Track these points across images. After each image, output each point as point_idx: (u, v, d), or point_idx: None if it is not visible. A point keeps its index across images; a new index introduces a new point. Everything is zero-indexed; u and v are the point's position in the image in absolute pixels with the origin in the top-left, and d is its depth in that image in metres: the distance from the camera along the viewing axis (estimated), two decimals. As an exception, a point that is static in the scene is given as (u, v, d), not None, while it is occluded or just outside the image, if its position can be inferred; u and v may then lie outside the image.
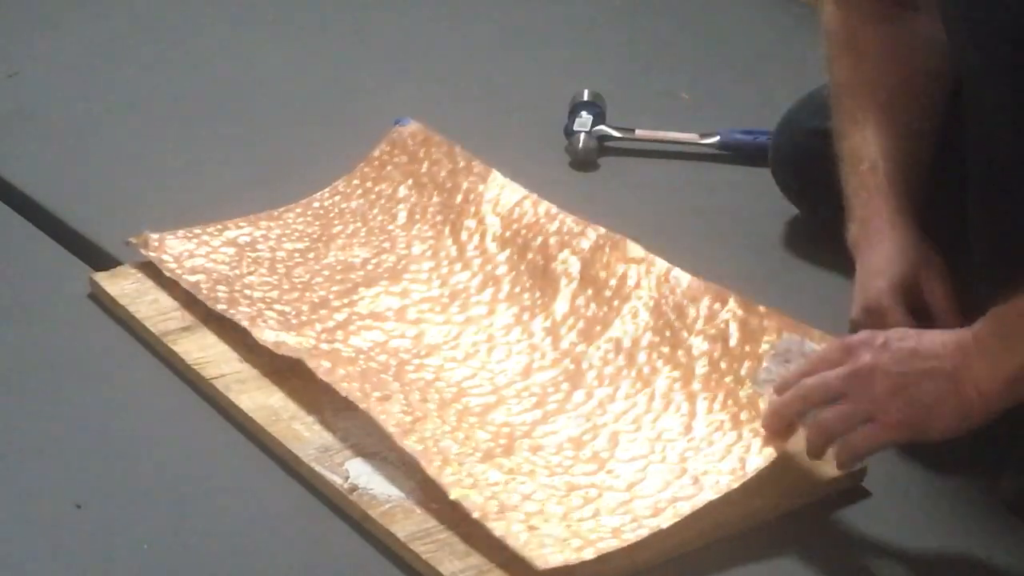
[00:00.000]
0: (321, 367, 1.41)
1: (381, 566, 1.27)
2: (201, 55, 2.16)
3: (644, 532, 1.27)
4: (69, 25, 2.22)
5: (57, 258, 1.68)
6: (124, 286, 1.58)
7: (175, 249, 1.60)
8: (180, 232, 1.63)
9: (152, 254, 1.59)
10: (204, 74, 2.10)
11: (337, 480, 1.34)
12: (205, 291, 1.53)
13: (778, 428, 1.32)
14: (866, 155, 1.47)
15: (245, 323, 1.48)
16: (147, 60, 2.14)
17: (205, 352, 1.49)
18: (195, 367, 1.48)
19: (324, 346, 1.47)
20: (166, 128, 1.97)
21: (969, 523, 1.36)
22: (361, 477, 1.34)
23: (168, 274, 1.56)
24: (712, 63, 2.21)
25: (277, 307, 1.53)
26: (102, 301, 1.59)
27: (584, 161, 1.93)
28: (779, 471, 1.34)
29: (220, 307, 1.51)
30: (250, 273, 1.58)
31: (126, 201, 1.79)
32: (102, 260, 1.65)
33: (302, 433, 1.39)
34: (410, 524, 1.29)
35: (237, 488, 1.36)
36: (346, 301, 1.55)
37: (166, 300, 1.56)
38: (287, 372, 1.46)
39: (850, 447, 1.29)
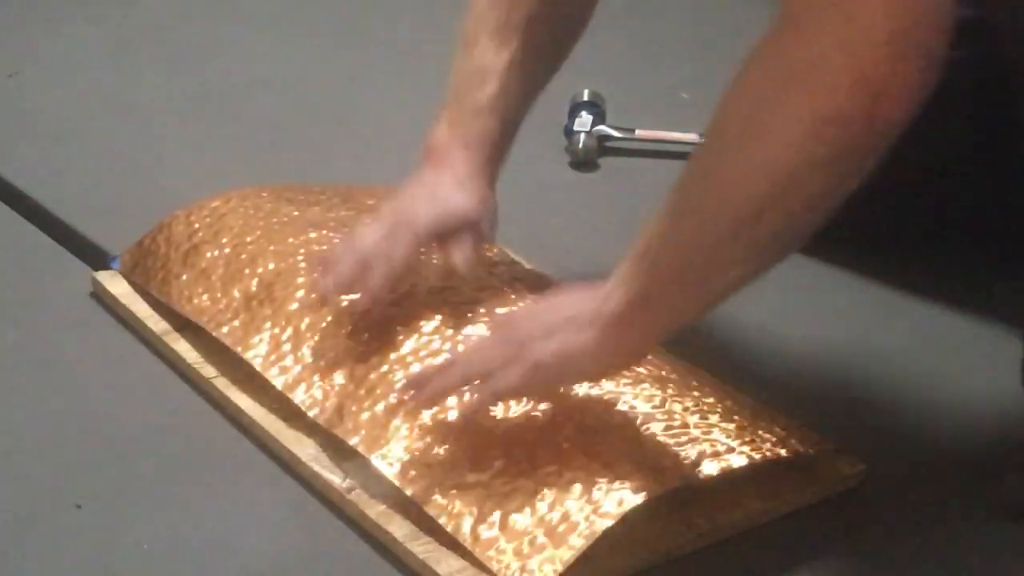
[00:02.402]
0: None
1: (379, 566, 1.28)
2: (201, 55, 2.16)
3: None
4: (69, 25, 2.22)
5: (57, 258, 1.68)
6: (124, 286, 1.59)
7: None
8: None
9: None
10: (204, 74, 2.10)
11: (335, 480, 1.34)
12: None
13: (429, 403, 1.32)
14: (494, 74, 1.46)
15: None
16: (147, 60, 2.14)
17: (205, 352, 1.49)
18: (195, 367, 1.48)
19: None
20: (166, 128, 1.97)
21: (970, 524, 1.36)
22: (359, 477, 1.34)
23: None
24: (712, 63, 2.20)
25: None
26: (103, 301, 1.59)
27: (584, 161, 1.93)
28: (778, 473, 1.35)
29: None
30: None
31: (126, 201, 1.79)
32: (102, 260, 1.65)
33: (301, 433, 1.39)
34: (408, 524, 1.29)
35: (237, 488, 1.37)
36: None
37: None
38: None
39: (498, 379, 1.27)
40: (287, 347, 1.43)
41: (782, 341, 1.58)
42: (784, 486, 1.35)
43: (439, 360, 1.38)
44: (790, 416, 1.42)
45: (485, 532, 1.26)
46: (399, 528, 1.29)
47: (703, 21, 2.28)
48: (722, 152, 1.20)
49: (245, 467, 1.39)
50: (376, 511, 1.30)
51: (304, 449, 1.37)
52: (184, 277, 1.54)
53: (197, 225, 1.59)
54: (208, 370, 1.47)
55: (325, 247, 1.53)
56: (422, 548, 1.27)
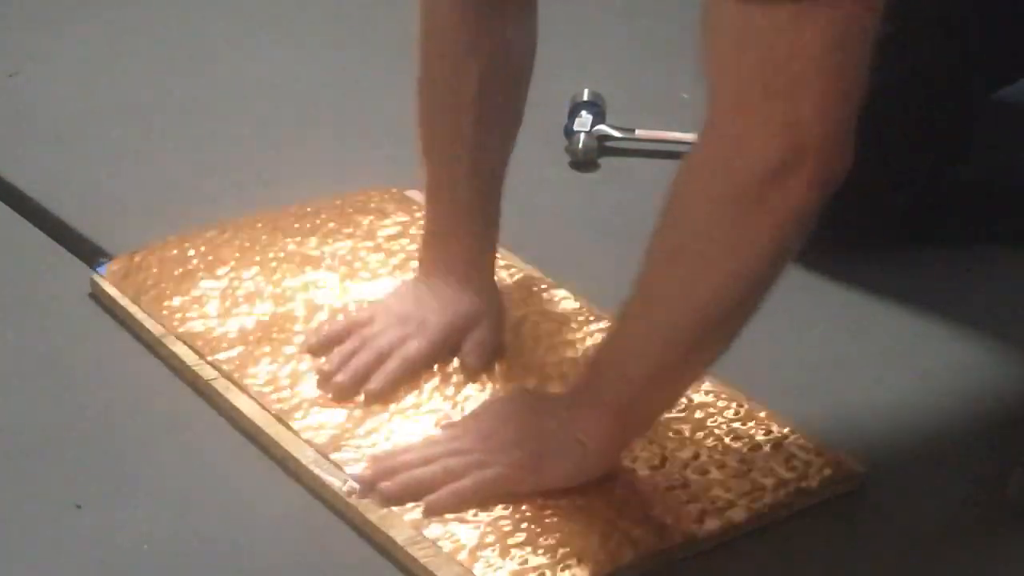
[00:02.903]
0: None
1: (380, 569, 1.28)
2: (201, 55, 2.16)
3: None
4: (69, 25, 2.22)
5: (56, 258, 1.68)
6: (124, 286, 1.58)
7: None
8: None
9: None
10: (204, 74, 2.10)
11: (336, 483, 1.34)
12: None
13: (403, 493, 1.32)
14: (461, 173, 1.49)
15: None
16: (147, 60, 2.14)
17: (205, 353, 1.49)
18: (195, 367, 1.48)
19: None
20: (166, 128, 1.97)
21: (970, 524, 1.36)
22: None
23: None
24: (712, 63, 2.20)
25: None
26: (102, 301, 1.59)
27: (584, 161, 1.93)
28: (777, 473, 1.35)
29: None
30: None
31: (126, 201, 1.79)
32: (104, 258, 1.64)
33: (302, 435, 1.39)
34: (408, 528, 1.29)
35: (237, 489, 1.36)
36: None
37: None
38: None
39: (464, 487, 1.31)
40: (286, 382, 1.45)
41: (782, 343, 1.58)
42: (785, 488, 1.35)
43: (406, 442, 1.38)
44: (791, 416, 1.43)
45: (485, 555, 1.26)
46: (400, 532, 1.29)
47: (703, 21, 2.27)
48: (688, 270, 1.24)
49: (245, 469, 1.38)
50: (377, 515, 1.30)
51: (305, 452, 1.37)
52: (177, 300, 1.55)
53: (192, 252, 1.60)
54: (207, 371, 1.47)
55: (324, 289, 1.56)
56: (423, 553, 1.27)
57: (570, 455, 1.31)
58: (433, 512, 1.30)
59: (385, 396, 1.43)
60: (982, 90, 1.71)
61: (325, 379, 1.44)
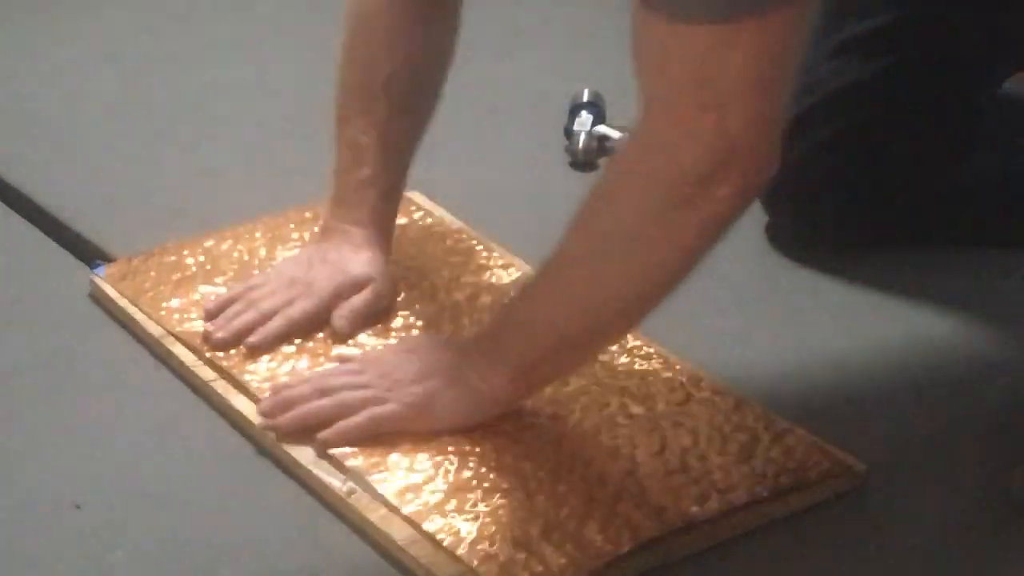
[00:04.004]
0: None
1: (379, 569, 1.28)
2: (201, 55, 2.16)
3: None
4: (69, 25, 2.22)
5: (57, 258, 1.68)
6: (123, 287, 1.58)
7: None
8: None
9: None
10: (204, 75, 2.10)
11: (335, 483, 1.34)
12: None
13: (299, 427, 1.38)
14: (367, 151, 1.55)
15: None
16: (147, 60, 2.14)
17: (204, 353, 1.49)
18: (194, 368, 1.48)
19: None
20: (167, 128, 1.97)
21: (971, 524, 1.36)
22: (360, 480, 1.34)
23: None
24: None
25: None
26: (102, 301, 1.59)
27: (584, 161, 1.93)
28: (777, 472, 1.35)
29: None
30: None
31: (126, 201, 1.79)
32: (102, 260, 1.64)
33: (301, 436, 1.39)
34: (409, 528, 1.29)
35: (236, 489, 1.36)
36: None
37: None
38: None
39: (357, 424, 1.36)
40: (285, 380, 1.45)
41: (782, 342, 1.58)
42: (785, 487, 1.35)
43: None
44: (789, 416, 1.43)
45: (483, 548, 1.26)
46: (400, 531, 1.29)
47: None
48: (606, 257, 1.29)
49: (245, 469, 1.38)
50: (377, 514, 1.30)
51: (304, 452, 1.37)
52: (175, 302, 1.55)
53: (190, 260, 1.61)
54: (206, 372, 1.47)
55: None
56: (422, 552, 1.27)
57: (466, 398, 1.36)
58: (325, 447, 1.35)
59: (265, 350, 1.47)
60: (984, 88, 1.71)
61: (206, 338, 1.48)
